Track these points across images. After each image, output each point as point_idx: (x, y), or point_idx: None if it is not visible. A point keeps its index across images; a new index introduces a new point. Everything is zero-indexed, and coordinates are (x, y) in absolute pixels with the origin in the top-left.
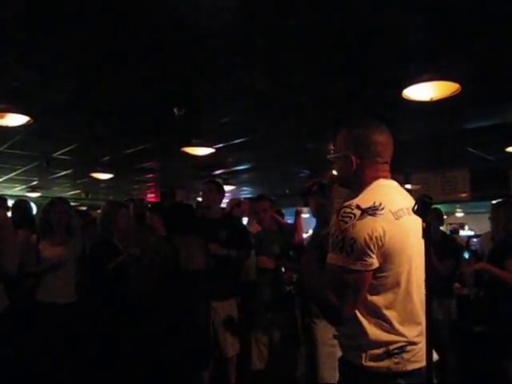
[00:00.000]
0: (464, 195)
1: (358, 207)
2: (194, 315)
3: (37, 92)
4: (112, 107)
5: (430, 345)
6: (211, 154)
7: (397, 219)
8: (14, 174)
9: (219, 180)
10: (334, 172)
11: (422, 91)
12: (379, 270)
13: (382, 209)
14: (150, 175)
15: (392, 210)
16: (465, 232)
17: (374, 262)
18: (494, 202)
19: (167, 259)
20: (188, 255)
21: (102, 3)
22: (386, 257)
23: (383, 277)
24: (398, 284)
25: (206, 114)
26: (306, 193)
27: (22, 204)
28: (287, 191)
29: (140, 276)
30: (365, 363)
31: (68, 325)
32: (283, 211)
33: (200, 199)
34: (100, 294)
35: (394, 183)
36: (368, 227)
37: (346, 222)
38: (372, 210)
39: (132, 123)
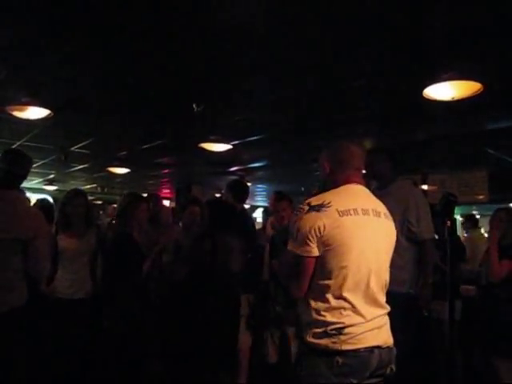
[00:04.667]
0: (481, 197)
1: (308, 204)
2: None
3: (57, 85)
4: (131, 102)
5: None
6: (228, 150)
7: (341, 216)
8: (32, 167)
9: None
10: None
11: (443, 90)
12: (322, 257)
13: (329, 206)
14: (166, 170)
15: (339, 208)
16: None
17: (313, 250)
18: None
19: (205, 256)
20: (227, 255)
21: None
22: (326, 246)
23: (326, 263)
24: (338, 271)
25: (223, 110)
26: None
27: (44, 203)
28: (302, 189)
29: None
30: (308, 339)
31: (82, 321)
32: None
33: (218, 195)
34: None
35: (362, 188)
36: (310, 221)
37: (296, 215)
38: (318, 207)
39: (150, 118)
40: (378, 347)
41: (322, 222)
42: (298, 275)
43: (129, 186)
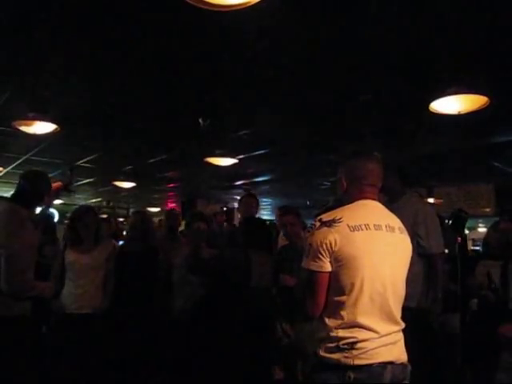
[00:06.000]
0: (488, 210)
1: (319, 220)
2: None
3: (64, 100)
4: (137, 117)
5: None
6: (233, 164)
7: (352, 231)
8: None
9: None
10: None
11: (450, 104)
12: (335, 273)
13: (340, 222)
14: (172, 185)
15: (350, 223)
16: None
17: (326, 265)
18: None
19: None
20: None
21: (130, 15)
22: (338, 262)
23: (339, 280)
24: (352, 287)
25: (228, 124)
26: None
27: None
28: (308, 203)
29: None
30: (321, 354)
31: (88, 336)
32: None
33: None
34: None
35: (376, 203)
36: (321, 236)
37: (309, 232)
38: (329, 223)
39: (156, 133)
40: (392, 363)
41: (333, 236)
42: (312, 292)
43: (135, 199)
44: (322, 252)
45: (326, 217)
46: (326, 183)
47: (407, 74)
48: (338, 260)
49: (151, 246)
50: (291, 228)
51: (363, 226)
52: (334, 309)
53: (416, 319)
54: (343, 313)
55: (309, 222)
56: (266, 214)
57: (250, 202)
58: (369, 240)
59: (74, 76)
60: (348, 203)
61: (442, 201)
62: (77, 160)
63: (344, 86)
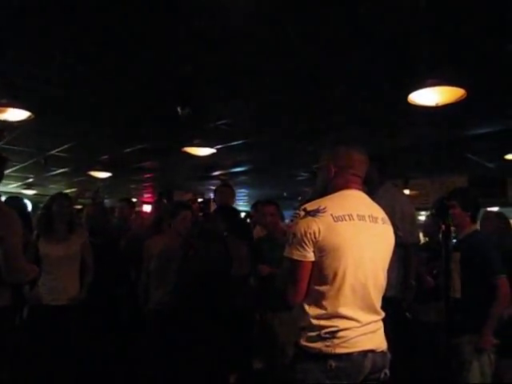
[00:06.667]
0: None
1: (304, 210)
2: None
3: (38, 87)
4: (112, 105)
5: None
6: (211, 154)
7: (336, 222)
8: (10, 170)
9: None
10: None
11: (428, 96)
12: (318, 263)
13: (324, 212)
14: (148, 175)
15: (334, 214)
16: None
17: (309, 254)
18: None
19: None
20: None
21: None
22: (321, 252)
23: (322, 269)
24: (334, 277)
25: (205, 114)
26: None
27: (15, 202)
28: (285, 194)
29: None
30: (302, 343)
31: (63, 328)
32: None
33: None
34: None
35: (360, 194)
36: (305, 225)
37: (293, 221)
38: (314, 212)
39: (132, 122)
40: (372, 351)
41: (317, 226)
42: (294, 280)
43: (110, 190)
44: (306, 241)
45: (310, 206)
46: (302, 174)
47: (386, 65)
48: (321, 250)
49: (112, 237)
50: (271, 218)
51: (346, 217)
52: (316, 298)
53: (392, 308)
54: (325, 303)
55: (285, 214)
56: (242, 204)
57: (226, 192)
58: (352, 231)
59: (48, 62)
60: (332, 192)
61: (417, 192)
62: (51, 149)
63: (323, 76)
